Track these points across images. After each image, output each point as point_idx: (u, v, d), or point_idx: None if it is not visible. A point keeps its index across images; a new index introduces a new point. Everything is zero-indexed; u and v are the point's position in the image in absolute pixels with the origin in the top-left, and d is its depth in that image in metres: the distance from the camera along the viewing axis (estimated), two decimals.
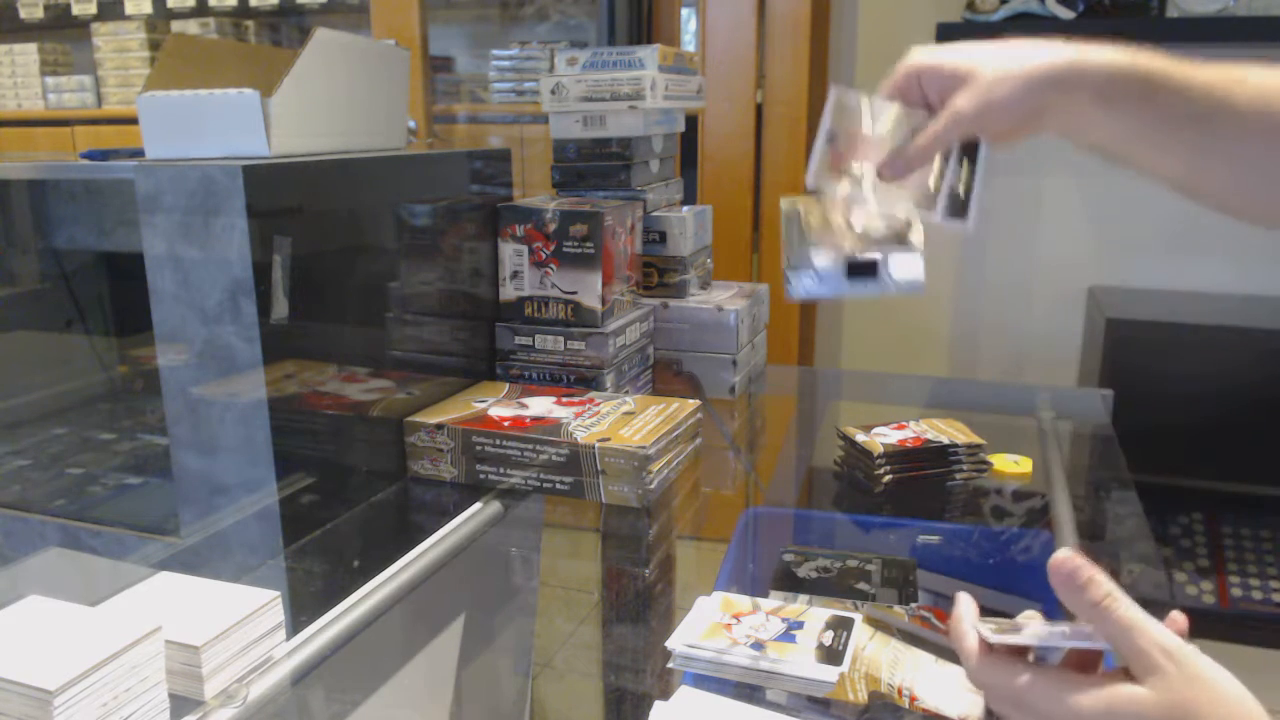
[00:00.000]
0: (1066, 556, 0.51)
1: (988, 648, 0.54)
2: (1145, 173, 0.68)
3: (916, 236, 0.70)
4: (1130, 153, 0.66)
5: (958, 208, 0.66)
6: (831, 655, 0.60)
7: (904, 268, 0.68)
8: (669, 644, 0.62)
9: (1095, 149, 0.68)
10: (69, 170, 1.10)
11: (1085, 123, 0.65)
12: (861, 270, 0.69)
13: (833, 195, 0.69)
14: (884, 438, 0.95)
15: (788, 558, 0.77)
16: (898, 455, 0.93)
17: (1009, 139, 0.69)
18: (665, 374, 1.21)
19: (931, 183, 0.67)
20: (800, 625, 0.64)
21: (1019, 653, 0.53)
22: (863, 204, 0.69)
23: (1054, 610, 0.70)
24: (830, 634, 0.62)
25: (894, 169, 0.69)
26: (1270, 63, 0.63)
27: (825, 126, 0.70)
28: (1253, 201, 0.66)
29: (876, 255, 0.68)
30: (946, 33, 1.88)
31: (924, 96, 0.70)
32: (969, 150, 0.69)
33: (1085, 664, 0.53)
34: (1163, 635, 0.49)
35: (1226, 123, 0.63)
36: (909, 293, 0.69)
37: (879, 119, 0.70)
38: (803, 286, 0.69)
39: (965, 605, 0.57)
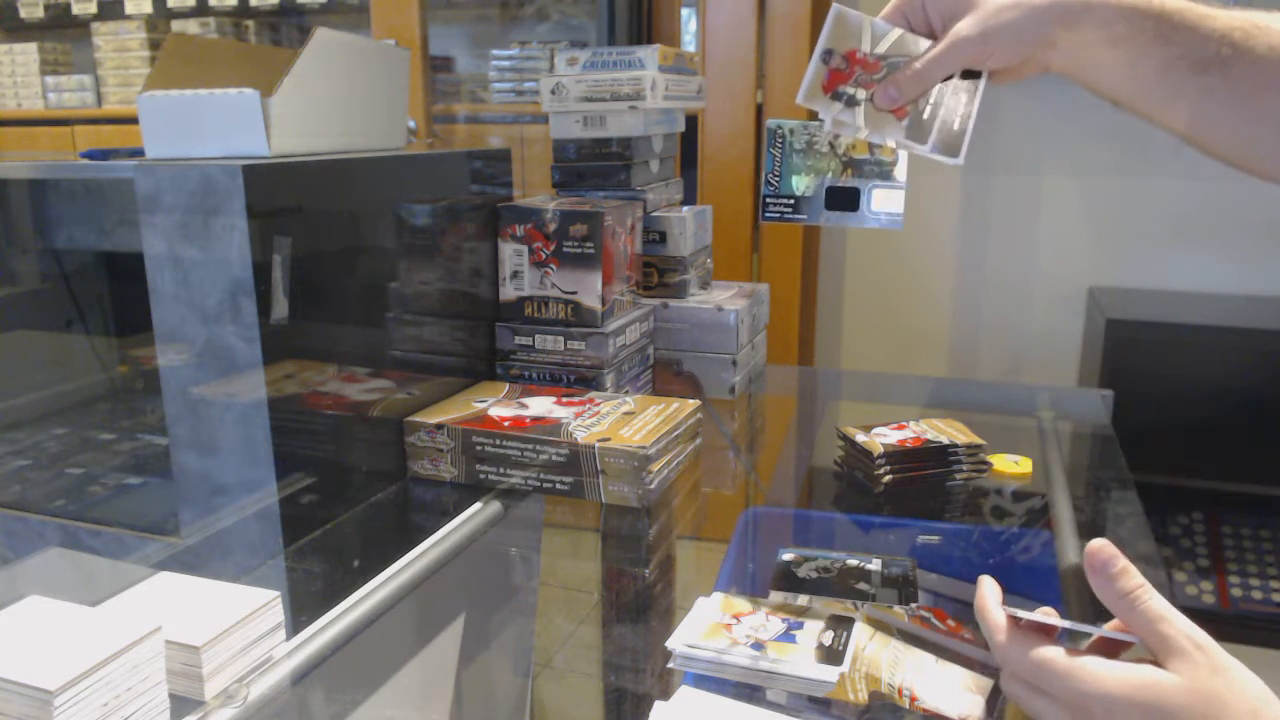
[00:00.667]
0: (1101, 545, 0.52)
1: (1014, 623, 0.54)
2: (1151, 119, 0.64)
3: (901, 170, 0.68)
4: (1137, 97, 0.63)
5: (950, 142, 0.63)
6: (831, 655, 0.60)
7: (885, 201, 0.66)
8: (669, 644, 0.62)
9: (1100, 91, 0.65)
10: (69, 170, 1.10)
11: (1092, 62, 0.62)
12: (841, 198, 0.67)
13: (822, 116, 0.66)
14: (884, 438, 0.95)
15: (788, 558, 0.77)
16: (898, 455, 0.93)
17: (1012, 75, 0.66)
18: (665, 374, 1.21)
19: (926, 113, 0.65)
20: (800, 625, 0.64)
21: (1046, 633, 0.53)
22: (852, 130, 0.66)
23: (1053, 609, 0.70)
24: (830, 634, 0.62)
25: (888, 96, 0.66)
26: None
27: (822, 43, 0.67)
28: (1264, 156, 0.63)
29: (858, 184, 0.67)
30: None
31: (928, 21, 0.67)
32: (968, 83, 0.66)
33: (1107, 656, 0.53)
34: (1190, 626, 0.50)
35: (1243, 70, 0.60)
36: (888, 226, 0.67)
37: (879, 42, 0.66)
38: (779, 210, 0.68)
39: (989, 586, 0.58)
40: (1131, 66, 0.62)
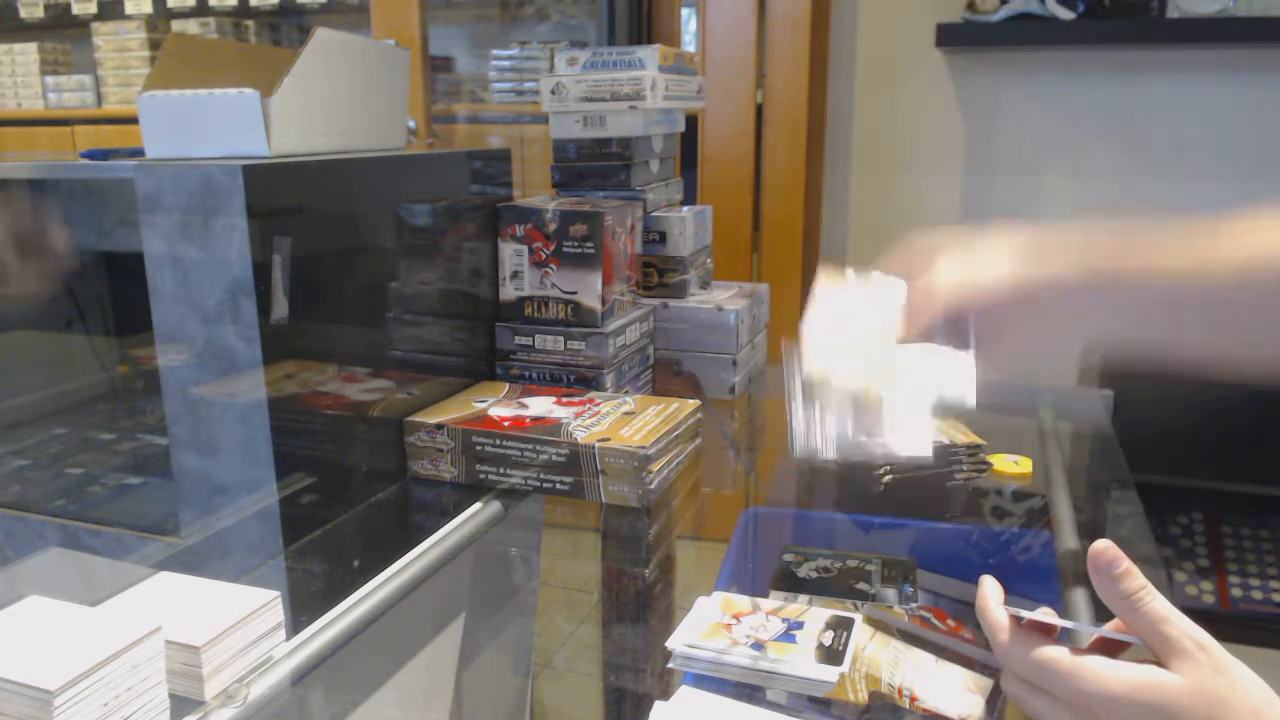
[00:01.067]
0: (1106, 546, 0.52)
1: (1016, 622, 0.54)
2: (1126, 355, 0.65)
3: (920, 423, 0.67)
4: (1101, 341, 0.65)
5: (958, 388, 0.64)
6: (831, 655, 0.60)
7: (909, 446, 0.66)
8: (669, 644, 0.62)
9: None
10: (69, 170, 1.10)
11: (1054, 333, 0.63)
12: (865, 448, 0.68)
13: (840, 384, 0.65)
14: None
15: (788, 558, 0.77)
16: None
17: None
18: (665, 374, 1.21)
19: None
20: (800, 625, 0.64)
21: (1047, 632, 0.53)
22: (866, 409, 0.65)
23: (1054, 609, 0.69)
24: (830, 634, 0.62)
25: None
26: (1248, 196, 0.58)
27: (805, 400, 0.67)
28: (1240, 365, 0.63)
29: (880, 447, 0.66)
30: (946, 33, 1.88)
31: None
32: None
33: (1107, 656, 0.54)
34: (1192, 627, 0.50)
35: (1198, 308, 0.60)
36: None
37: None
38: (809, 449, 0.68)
39: (991, 585, 0.58)
40: (1088, 329, 0.64)
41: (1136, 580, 0.52)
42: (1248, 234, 0.60)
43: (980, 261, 0.63)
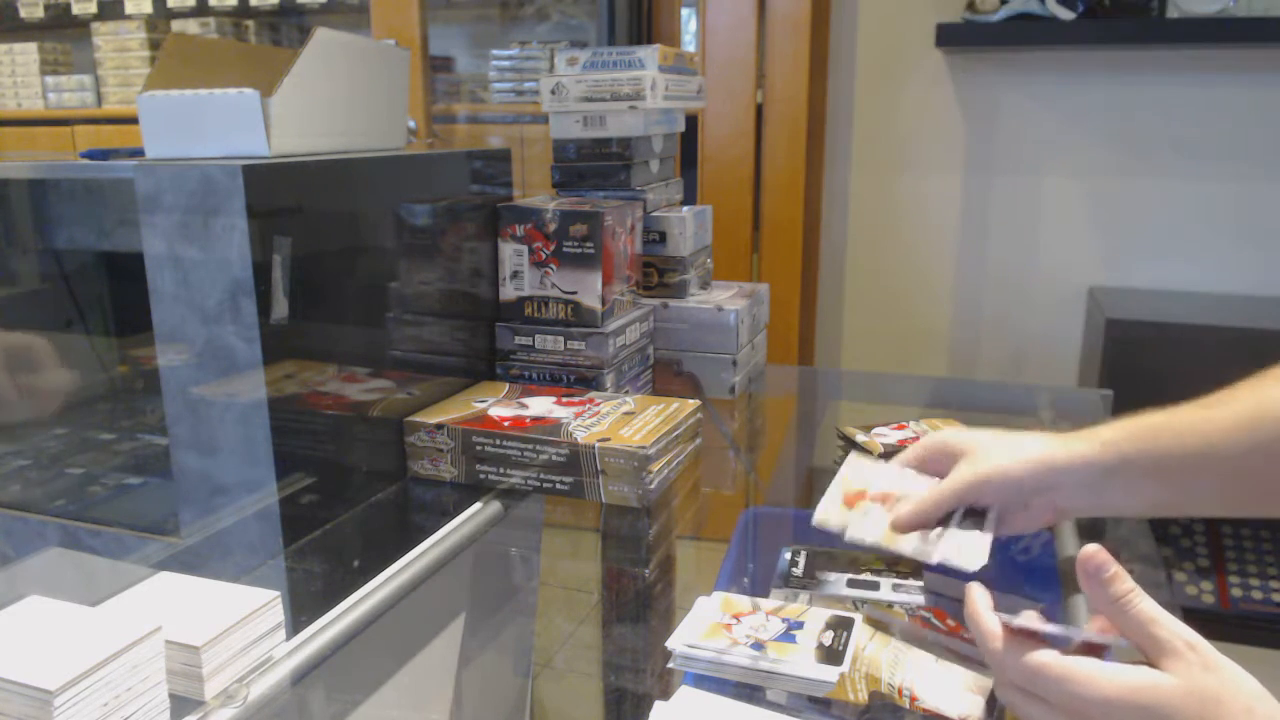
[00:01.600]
0: (1095, 551, 0.53)
1: (1008, 631, 0.54)
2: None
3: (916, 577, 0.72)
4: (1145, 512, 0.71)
5: (966, 554, 0.67)
6: (831, 655, 0.60)
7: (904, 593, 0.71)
8: (669, 644, 0.62)
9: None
10: (69, 170, 1.10)
11: (1092, 506, 0.68)
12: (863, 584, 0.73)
13: (836, 529, 0.73)
14: (884, 438, 0.95)
15: (787, 557, 0.77)
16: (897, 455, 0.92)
17: (1031, 524, 0.71)
18: (665, 374, 1.21)
19: (934, 535, 0.70)
20: (800, 625, 0.64)
21: (1037, 637, 0.54)
22: (868, 538, 0.72)
23: (1054, 610, 0.70)
24: (830, 634, 0.62)
25: (901, 524, 0.72)
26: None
27: (842, 473, 0.79)
28: (1245, 509, 0.67)
29: (879, 580, 0.72)
30: (946, 33, 1.88)
31: (941, 468, 0.75)
32: (976, 517, 0.70)
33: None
34: (1182, 627, 0.51)
35: (1206, 483, 0.64)
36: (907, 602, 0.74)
37: (890, 478, 0.76)
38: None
39: (979, 592, 0.58)
40: (1125, 505, 0.68)
41: (1125, 583, 0.52)
42: (1252, 395, 0.64)
43: (1004, 450, 0.69)
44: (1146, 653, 0.51)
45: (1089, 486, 0.66)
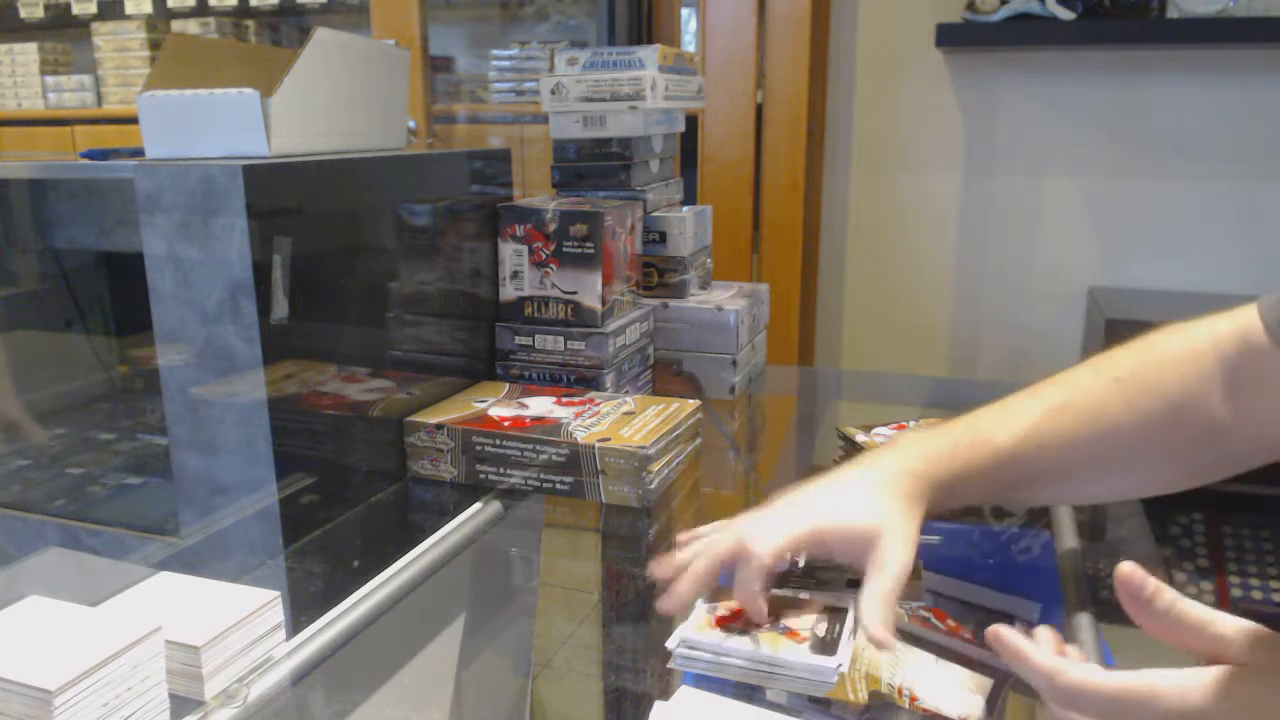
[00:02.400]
0: (1131, 570, 0.51)
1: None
2: None
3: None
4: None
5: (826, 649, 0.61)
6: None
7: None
8: (669, 644, 0.62)
9: None
10: (69, 170, 1.10)
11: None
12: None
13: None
14: (884, 438, 0.95)
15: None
16: None
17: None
18: (665, 374, 1.21)
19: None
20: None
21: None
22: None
23: (1053, 610, 0.70)
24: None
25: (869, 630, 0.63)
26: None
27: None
28: (1129, 492, 0.70)
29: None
30: (946, 33, 1.88)
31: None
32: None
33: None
34: (1233, 619, 0.50)
35: (1010, 488, 0.66)
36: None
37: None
38: None
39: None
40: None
41: (1167, 594, 0.51)
42: (999, 425, 0.67)
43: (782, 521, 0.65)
44: (1215, 654, 0.50)
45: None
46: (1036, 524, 0.88)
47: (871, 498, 0.63)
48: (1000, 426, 0.67)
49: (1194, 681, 0.48)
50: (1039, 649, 0.54)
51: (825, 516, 0.64)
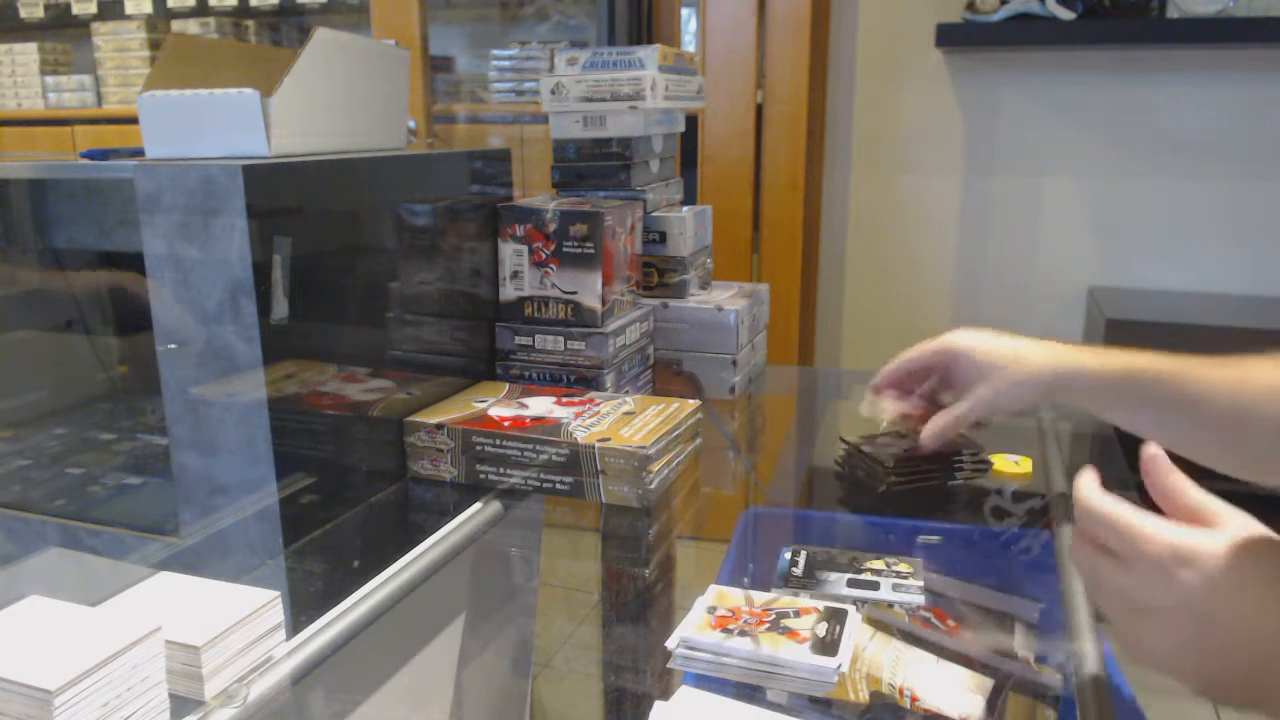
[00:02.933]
0: (1156, 452, 0.57)
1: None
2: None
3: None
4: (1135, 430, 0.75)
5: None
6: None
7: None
8: (669, 644, 0.62)
9: None
10: (69, 170, 1.10)
11: (1085, 409, 0.77)
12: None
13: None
14: (890, 447, 0.95)
15: (788, 557, 0.77)
16: (906, 465, 0.92)
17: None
18: (665, 374, 1.21)
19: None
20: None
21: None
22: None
23: (1053, 610, 0.70)
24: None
25: (931, 437, 0.87)
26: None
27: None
28: (1249, 472, 0.72)
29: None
30: (946, 33, 1.88)
31: (928, 388, 0.93)
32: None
33: None
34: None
35: (1200, 418, 0.69)
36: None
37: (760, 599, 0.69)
38: None
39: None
40: (1124, 421, 0.75)
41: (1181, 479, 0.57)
42: (1255, 366, 0.68)
43: (1016, 365, 0.81)
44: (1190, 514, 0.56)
45: (1095, 400, 0.75)
46: (1036, 524, 0.88)
47: (1017, 358, 0.80)
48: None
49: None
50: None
51: (973, 341, 0.88)
